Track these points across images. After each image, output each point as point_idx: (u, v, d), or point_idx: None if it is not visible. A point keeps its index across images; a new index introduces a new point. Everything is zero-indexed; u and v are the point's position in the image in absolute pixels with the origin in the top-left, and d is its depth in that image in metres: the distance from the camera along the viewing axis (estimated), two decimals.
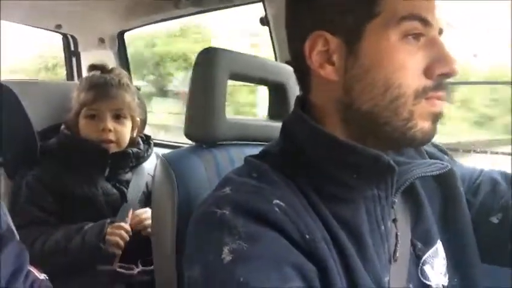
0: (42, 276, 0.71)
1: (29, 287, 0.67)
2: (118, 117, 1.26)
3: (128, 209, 1.22)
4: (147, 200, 1.30)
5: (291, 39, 0.63)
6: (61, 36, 2.00)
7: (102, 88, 1.24)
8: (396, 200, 0.62)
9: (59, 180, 1.21)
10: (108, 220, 1.16)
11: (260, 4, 1.41)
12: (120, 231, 1.13)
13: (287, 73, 0.94)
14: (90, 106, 1.24)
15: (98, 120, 1.24)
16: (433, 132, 0.58)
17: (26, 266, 0.67)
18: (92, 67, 1.33)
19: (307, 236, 0.52)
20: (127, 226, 1.15)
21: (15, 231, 0.83)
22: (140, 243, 1.13)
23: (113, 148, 1.26)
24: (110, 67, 1.34)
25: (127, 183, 1.29)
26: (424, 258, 0.63)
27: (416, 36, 0.55)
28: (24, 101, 1.28)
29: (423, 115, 0.56)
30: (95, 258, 1.12)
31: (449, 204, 0.68)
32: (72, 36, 1.96)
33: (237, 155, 0.85)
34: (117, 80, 1.27)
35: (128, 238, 1.14)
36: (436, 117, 0.57)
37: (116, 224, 1.15)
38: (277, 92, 0.97)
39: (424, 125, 0.56)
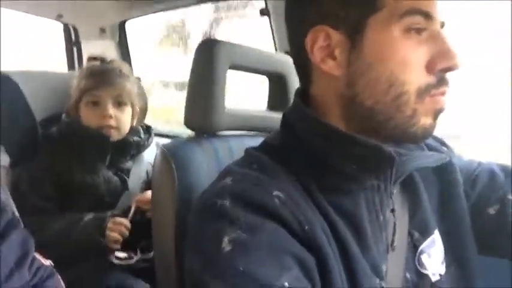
0: (47, 262, 0.71)
1: (34, 273, 0.68)
2: (119, 104, 1.26)
3: (130, 196, 1.23)
4: (147, 188, 1.31)
5: (292, 33, 0.63)
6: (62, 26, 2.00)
7: (104, 75, 1.26)
8: (395, 191, 0.62)
9: (60, 168, 1.22)
10: (109, 213, 1.17)
11: None
12: (120, 228, 1.14)
13: (287, 64, 0.94)
14: (91, 92, 1.25)
15: (99, 107, 1.25)
16: (433, 128, 0.58)
17: (31, 252, 0.68)
18: (92, 59, 1.34)
19: (306, 227, 0.53)
20: (127, 222, 1.16)
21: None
22: (140, 229, 1.14)
23: (114, 134, 1.26)
24: (109, 59, 1.34)
25: (128, 171, 1.30)
26: (421, 247, 0.64)
27: (419, 30, 0.55)
28: (26, 91, 1.29)
29: (426, 112, 0.56)
30: (94, 250, 1.13)
31: (447, 195, 0.69)
32: (73, 26, 1.96)
33: (237, 146, 0.85)
34: (118, 69, 1.29)
35: (127, 234, 1.15)
36: (438, 114, 0.58)
37: (117, 219, 1.16)
38: (276, 83, 0.97)
39: (426, 121, 0.57)
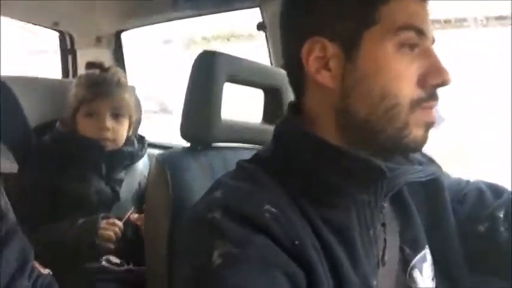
0: (46, 271, 0.70)
1: (34, 282, 0.66)
2: (116, 116, 1.25)
3: (121, 207, 1.22)
4: (139, 199, 1.30)
5: (287, 43, 0.64)
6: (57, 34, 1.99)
7: (102, 86, 1.24)
8: (385, 205, 0.63)
9: (51, 177, 1.20)
10: (102, 215, 1.15)
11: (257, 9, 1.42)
12: (113, 227, 1.13)
13: (283, 78, 0.94)
14: (89, 104, 1.23)
15: (96, 119, 1.23)
16: (425, 140, 0.59)
17: (31, 261, 0.67)
18: (90, 65, 1.33)
19: (296, 242, 0.53)
20: (120, 223, 1.15)
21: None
22: (132, 243, 1.13)
23: (110, 146, 1.25)
24: (107, 65, 1.34)
25: (120, 182, 1.29)
26: (412, 263, 0.64)
27: (411, 46, 0.56)
28: (20, 96, 1.28)
29: (417, 124, 0.57)
30: (87, 252, 1.11)
31: (435, 211, 0.69)
32: (69, 34, 1.96)
33: (232, 159, 0.85)
34: (116, 78, 1.27)
35: (120, 235, 1.13)
36: (429, 126, 0.59)
37: (111, 220, 1.15)
38: (272, 96, 0.98)
39: (417, 133, 0.57)
